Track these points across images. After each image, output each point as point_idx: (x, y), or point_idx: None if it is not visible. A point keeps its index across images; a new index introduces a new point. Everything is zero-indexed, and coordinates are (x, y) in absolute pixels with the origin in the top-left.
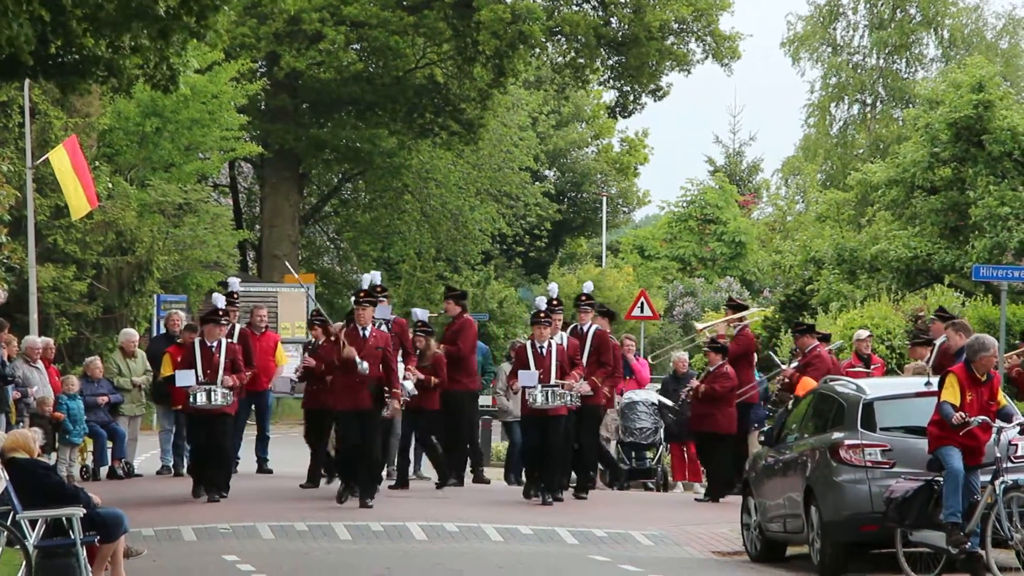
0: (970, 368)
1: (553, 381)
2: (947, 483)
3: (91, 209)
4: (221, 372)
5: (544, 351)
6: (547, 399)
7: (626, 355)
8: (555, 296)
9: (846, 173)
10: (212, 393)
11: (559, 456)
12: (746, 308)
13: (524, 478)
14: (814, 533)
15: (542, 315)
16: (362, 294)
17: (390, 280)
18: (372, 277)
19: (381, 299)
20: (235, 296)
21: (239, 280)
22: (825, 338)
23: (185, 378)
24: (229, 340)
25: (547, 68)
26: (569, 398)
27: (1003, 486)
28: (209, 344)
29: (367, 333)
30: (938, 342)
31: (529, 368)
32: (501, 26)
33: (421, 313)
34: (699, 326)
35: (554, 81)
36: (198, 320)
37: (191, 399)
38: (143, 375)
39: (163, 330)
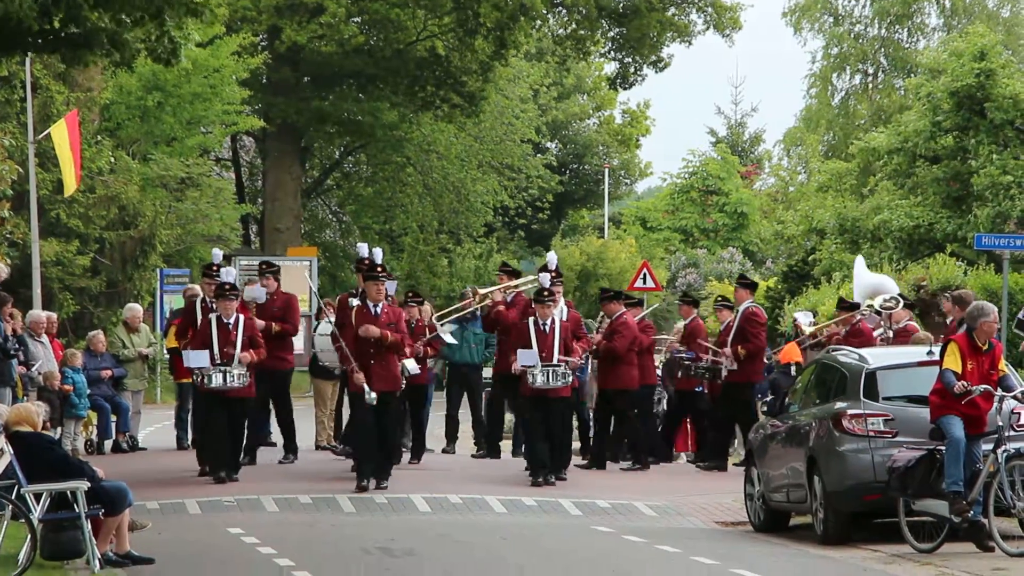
0: (971, 336)
1: (556, 360)
2: (948, 452)
3: (76, 187)
4: (239, 351)
5: (547, 328)
6: (548, 379)
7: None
8: (554, 267)
9: (848, 143)
10: (228, 375)
11: (562, 438)
12: (520, 275)
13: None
14: (817, 503)
15: (546, 293)
16: (379, 269)
17: (392, 253)
18: (375, 254)
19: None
20: (215, 269)
21: (222, 253)
22: (639, 303)
23: (198, 359)
24: (247, 316)
25: (548, 40)
26: (571, 377)
27: (1005, 455)
28: (226, 320)
29: (379, 311)
30: (741, 308)
31: (531, 347)
32: None
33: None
34: (481, 291)
35: (555, 53)
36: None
37: (206, 380)
38: (148, 348)
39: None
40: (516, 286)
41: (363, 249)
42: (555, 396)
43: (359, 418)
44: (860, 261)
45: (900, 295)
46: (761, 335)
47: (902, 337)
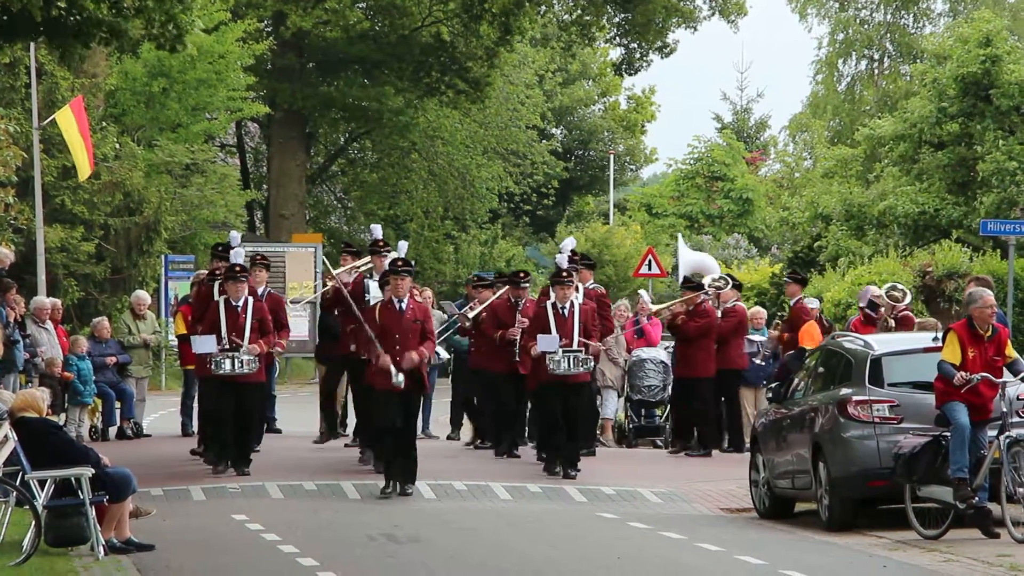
0: (972, 324)
1: (576, 345)
2: (953, 439)
3: (90, 172)
4: (248, 334)
5: (566, 312)
6: (570, 365)
7: (638, 314)
8: (571, 249)
9: (854, 129)
10: (236, 360)
11: (581, 426)
12: (361, 255)
13: (542, 451)
14: (822, 489)
15: (564, 274)
16: (399, 263)
17: (397, 240)
18: (400, 247)
19: (385, 253)
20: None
21: (239, 235)
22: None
23: (204, 344)
24: (256, 300)
25: (553, 26)
26: (592, 363)
27: (1007, 441)
28: (234, 303)
29: (404, 306)
30: (583, 288)
31: (550, 331)
32: None
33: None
34: (334, 272)
35: (560, 38)
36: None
37: (214, 366)
38: (151, 334)
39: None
40: (358, 267)
41: (376, 231)
42: (575, 381)
43: (378, 420)
44: (681, 239)
45: (728, 275)
46: (611, 316)
47: (730, 317)
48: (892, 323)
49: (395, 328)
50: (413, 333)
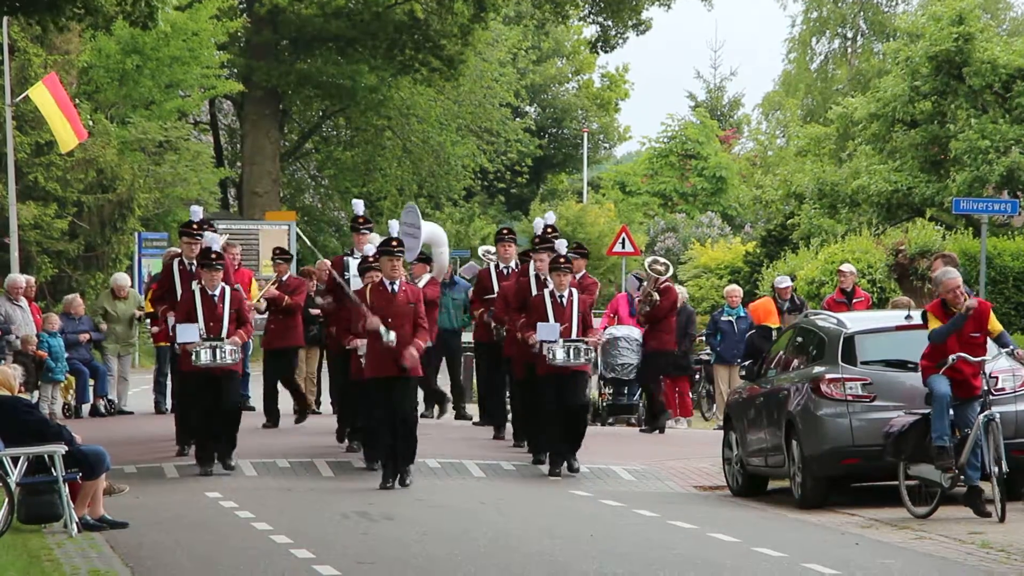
0: (945, 304)
1: (575, 335)
2: (934, 408)
3: (80, 142)
4: (226, 324)
5: (564, 301)
6: (569, 356)
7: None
8: (541, 230)
9: (827, 108)
10: (218, 350)
11: (583, 419)
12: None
13: (536, 446)
14: (795, 467)
15: (563, 260)
16: (394, 243)
17: (371, 217)
18: (391, 226)
19: (364, 231)
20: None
21: (202, 209)
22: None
23: (187, 333)
24: (234, 289)
25: (527, 3)
26: (592, 354)
27: (985, 419)
28: (211, 292)
29: (396, 288)
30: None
31: (547, 320)
32: None
33: None
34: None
35: (534, 16)
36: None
37: (194, 357)
38: (138, 311)
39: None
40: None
41: (358, 207)
42: (576, 371)
43: (369, 413)
44: (414, 208)
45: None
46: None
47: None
48: (656, 296)
49: (387, 311)
50: (406, 317)
